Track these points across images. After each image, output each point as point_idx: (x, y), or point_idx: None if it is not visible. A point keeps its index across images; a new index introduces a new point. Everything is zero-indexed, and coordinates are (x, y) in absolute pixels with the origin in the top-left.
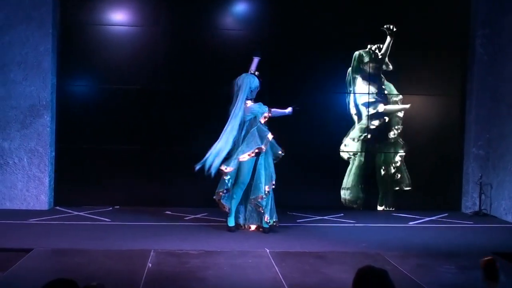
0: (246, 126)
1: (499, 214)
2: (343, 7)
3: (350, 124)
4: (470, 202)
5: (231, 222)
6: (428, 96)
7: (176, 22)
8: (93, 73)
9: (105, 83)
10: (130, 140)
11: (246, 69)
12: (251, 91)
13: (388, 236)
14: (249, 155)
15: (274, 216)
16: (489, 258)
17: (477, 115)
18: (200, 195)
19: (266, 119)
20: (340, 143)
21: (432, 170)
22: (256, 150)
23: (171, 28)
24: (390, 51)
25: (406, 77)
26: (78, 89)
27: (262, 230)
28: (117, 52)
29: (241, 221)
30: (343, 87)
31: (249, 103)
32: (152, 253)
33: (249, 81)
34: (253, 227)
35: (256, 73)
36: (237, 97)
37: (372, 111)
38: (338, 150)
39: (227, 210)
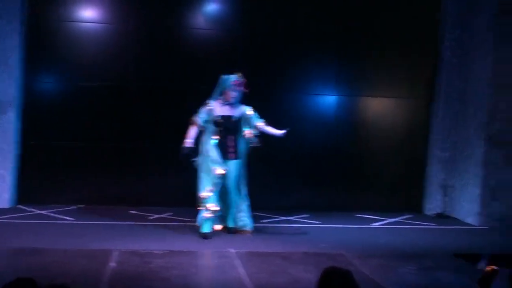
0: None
1: (461, 216)
2: (313, 7)
3: (324, 125)
4: (433, 204)
5: (207, 228)
6: (396, 99)
7: (146, 20)
8: (62, 70)
9: (73, 80)
10: (96, 138)
11: (216, 69)
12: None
13: (351, 237)
14: None
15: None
16: (494, 268)
17: (443, 117)
18: (166, 194)
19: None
20: (308, 143)
21: (397, 172)
22: None
23: (141, 26)
24: (360, 52)
25: (375, 79)
26: (46, 86)
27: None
28: (86, 50)
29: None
30: (317, 89)
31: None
32: (115, 252)
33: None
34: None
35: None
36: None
37: None
38: (309, 152)
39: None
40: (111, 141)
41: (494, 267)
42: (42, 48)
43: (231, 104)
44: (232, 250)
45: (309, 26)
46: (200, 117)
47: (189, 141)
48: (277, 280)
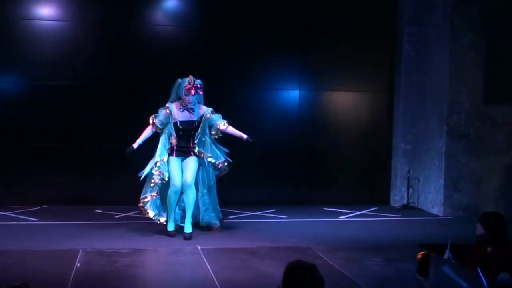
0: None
1: (426, 207)
2: (274, 3)
3: (287, 120)
4: (398, 196)
5: (171, 227)
6: (357, 92)
7: (105, 17)
8: (20, 69)
9: (32, 79)
10: (58, 138)
11: (176, 65)
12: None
13: (318, 231)
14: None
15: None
16: (424, 252)
17: (404, 110)
18: (131, 193)
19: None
20: (272, 138)
21: (361, 165)
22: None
23: (100, 24)
24: (321, 47)
25: (335, 74)
26: (4, 86)
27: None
28: (45, 48)
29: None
30: (280, 84)
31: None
32: (80, 252)
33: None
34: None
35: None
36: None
37: None
38: (273, 147)
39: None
40: (73, 141)
41: (423, 252)
42: None
43: (190, 109)
44: (198, 247)
45: (270, 22)
46: (158, 119)
47: (137, 141)
48: (243, 275)
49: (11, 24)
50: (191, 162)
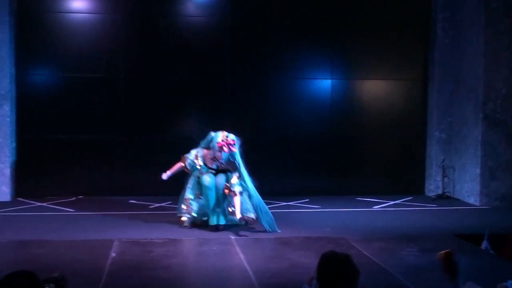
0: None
1: (461, 196)
2: None
3: (319, 110)
4: (433, 185)
5: (213, 221)
6: (391, 81)
7: (136, 9)
8: (53, 62)
9: (65, 71)
10: (93, 129)
11: (207, 57)
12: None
13: (352, 221)
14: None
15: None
16: (447, 251)
17: (439, 98)
18: (165, 183)
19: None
20: (304, 128)
21: (396, 155)
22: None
23: (131, 15)
24: (354, 35)
25: (367, 62)
26: (38, 79)
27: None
28: (77, 40)
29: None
30: (312, 73)
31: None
32: (115, 242)
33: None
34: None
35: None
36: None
37: None
38: (305, 137)
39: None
40: (107, 133)
41: (445, 251)
42: (32, 40)
43: (220, 162)
44: (232, 237)
45: (301, 11)
46: (189, 161)
47: (167, 173)
48: (276, 265)
49: (44, 17)
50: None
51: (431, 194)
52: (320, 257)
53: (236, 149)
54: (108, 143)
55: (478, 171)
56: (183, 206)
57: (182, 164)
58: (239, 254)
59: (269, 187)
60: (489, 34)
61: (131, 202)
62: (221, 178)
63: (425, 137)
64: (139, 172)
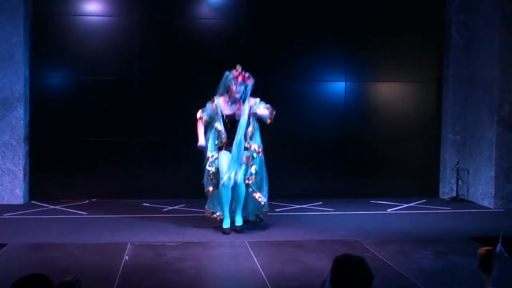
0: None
1: (476, 199)
2: None
3: (333, 112)
4: (447, 188)
5: (226, 224)
6: (405, 83)
7: (151, 12)
8: (67, 64)
9: (79, 74)
10: (106, 132)
11: (221, 59)
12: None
13: (366, 224)
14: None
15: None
16: (488, 248)
17: (453, 100)
18: (178, 186)
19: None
20: (318, 130)
21: (409, 157)
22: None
23: (146, 18)
24: (368, 37)
25: (382, 64)
26: (52, 81)
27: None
28: (91, 43)
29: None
30: (326, 75)
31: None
32: (129, 245)
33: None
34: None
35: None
36: None
37: None
38: (319, 139)
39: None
40: (120, 135)
41: (487, 248)
42: (47, 42)
43: (238, 102)
44: (245, 240)
45: (315, 13)
46: (206, 113)
47: (201, 138)
48: (289, 269)
49: (59, 20)
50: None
51: (446, 197)
52: (333, 260)
53: (250, 82)
54: (122, 146)
55: (492, 173)
56: (208, 168)
57: (201, 120)
58: (252, 257)
59: (282, 189)
60: (504, 36)
61: (145, 205)
62: (240, 171)
63: (439, 139)
64: (153, 175)
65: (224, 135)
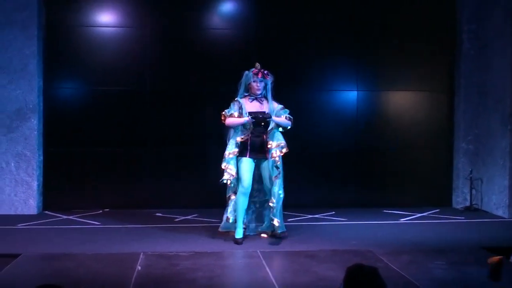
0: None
1: (490, 208)
2: (330, 3)
3: (345, 122)
4: (461, 198)
5: (239, 234)
6: (416, 92)
7: (163, 23)
8: (81, 75)
9: (92, 85)
10: (119, 142)
11: (233, 69)
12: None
13: (379, 234)
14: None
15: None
16: (500, 257)
17: (465, 110)
18: (191, 196)
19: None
20: (330, 140)
21: (422, 166)
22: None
23: (158, 29)
24: (379, 47)
25: (393, 74)
26: (66, 92)
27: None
28: (105, 54)
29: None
30: (338, 85)
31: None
32: (141, 255)
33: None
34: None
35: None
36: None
37: None
38: (331, 149)
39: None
40: (132, 146)
41: (499, 256)
42: (60, 53)
43: (260, 99)
44: (258, 250)
45: (326, 23)
46: (233, 110)
47: (244, 118)
48: (302, 279)
49: (72, 31)
50: (267, 170)
51: (459, 207)
52: (346, 270)
53: (270, 79)
54: (135, 156)
55: (506, 183)
56: (223, 167)
57: (230, 116)
58: (265, 267)
59: (294, 199)
60: None
61: (157, 215)
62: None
63: (452, 148)
64: (166, 185)
65: (250, 127)
